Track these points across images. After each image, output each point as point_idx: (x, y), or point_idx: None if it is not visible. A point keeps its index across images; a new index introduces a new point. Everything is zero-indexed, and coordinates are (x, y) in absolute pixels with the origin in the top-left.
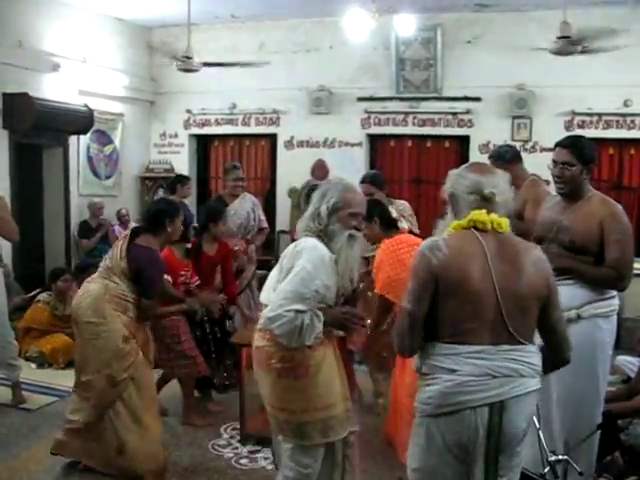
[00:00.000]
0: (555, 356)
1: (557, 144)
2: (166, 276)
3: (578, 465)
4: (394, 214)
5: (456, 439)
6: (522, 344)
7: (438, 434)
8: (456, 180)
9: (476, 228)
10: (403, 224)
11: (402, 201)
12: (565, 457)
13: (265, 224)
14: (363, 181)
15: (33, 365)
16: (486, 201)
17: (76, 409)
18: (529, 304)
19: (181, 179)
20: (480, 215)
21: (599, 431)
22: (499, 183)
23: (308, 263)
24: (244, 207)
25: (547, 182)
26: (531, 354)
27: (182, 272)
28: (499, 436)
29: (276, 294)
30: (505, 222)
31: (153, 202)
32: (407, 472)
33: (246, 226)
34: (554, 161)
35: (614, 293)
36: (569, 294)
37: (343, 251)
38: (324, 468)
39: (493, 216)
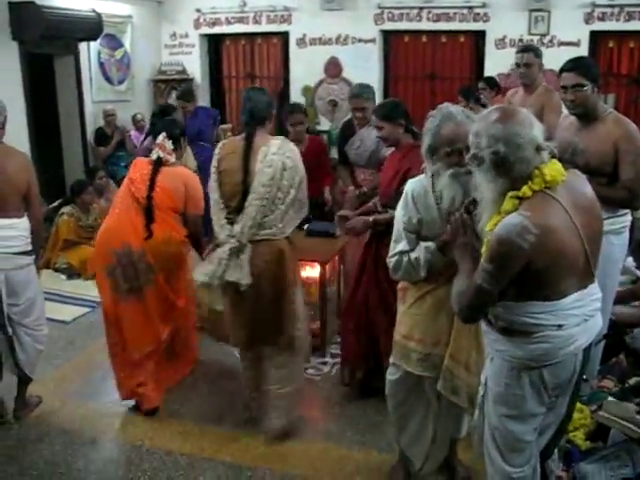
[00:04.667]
0: None
1: (562, 70)
2: None
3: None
4: None
5: (556, 382)
6: (594, 278)
7: (539, 382)
8: (506, 139)
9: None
10: None
11: None
12: None
13: None
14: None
15: (63, 276)
16: (538, 152)
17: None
18: (601, 237)
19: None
20: (554, 172)
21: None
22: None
23: (398, 206)
24: (371, 136)
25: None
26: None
27: None
28: (584, 368)
29: None
30: (561, 167)
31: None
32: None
33: (376, 158)
34: (564, 87)
35: (627, 210)
36: None
37: (445, 191)
38: (417, 401)
39: (555, 166)
